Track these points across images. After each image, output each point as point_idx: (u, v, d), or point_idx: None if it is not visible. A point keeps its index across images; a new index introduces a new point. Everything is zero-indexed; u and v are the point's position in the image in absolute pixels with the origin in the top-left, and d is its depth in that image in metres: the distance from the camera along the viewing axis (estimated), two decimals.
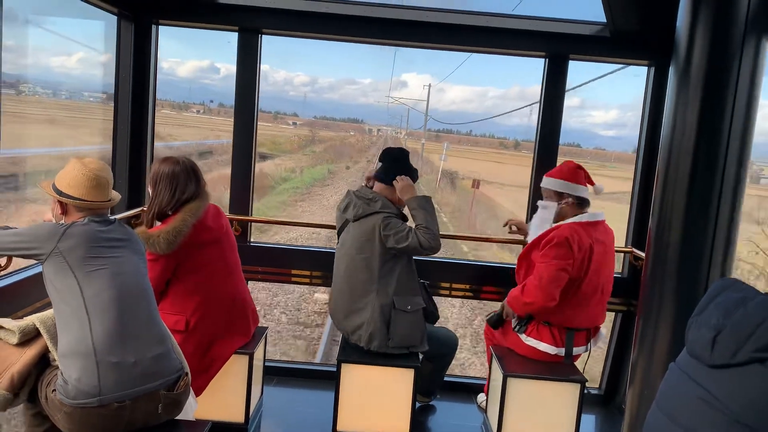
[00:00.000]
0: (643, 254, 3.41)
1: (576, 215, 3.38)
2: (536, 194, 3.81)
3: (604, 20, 3.68)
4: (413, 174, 3.42)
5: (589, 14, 3.83)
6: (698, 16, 2.51)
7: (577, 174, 3.40)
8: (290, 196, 24.23)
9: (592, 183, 3.50)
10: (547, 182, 3.46)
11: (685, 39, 2.55)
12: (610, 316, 4.35)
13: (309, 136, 53.50)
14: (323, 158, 40.83)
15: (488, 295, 4.08)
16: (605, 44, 3.87)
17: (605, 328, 3.63)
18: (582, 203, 3.42)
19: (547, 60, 3.95)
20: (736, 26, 2.40)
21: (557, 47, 3.91)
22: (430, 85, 42.72)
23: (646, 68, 4.00)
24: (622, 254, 4.18)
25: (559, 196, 3.41)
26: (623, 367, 4.10)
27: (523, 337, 3.43)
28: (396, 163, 3.41)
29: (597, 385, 4.28)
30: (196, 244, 2.99)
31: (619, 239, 3.72)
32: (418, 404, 3.62)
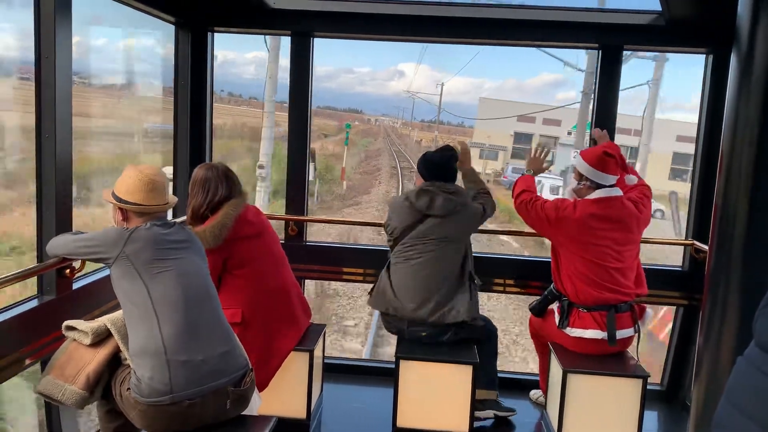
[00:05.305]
0: (705, 247, 3.34)
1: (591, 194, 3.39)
2: None
3: (659, 8, 3.61)
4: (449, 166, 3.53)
5: (644, 3, 3.75)
6: (761, 1, 2.44)
7: (605, 162, 3.34)
8: (364, 148, 48.18)
9: (625, 171, 3.46)
10: (577, 161, 3.45)
11: (747, 25, 2.49)
12: (669, 310, 4.27)
13: (338, 124, 63.12)
14: (359, 136, 60.14)
15: (541, 291, 4.04)
16: (661, 33, 3.78)
17: (651, 309, 3.56)
18: (600, 187, 3.38)
19: (600, 51, 3.89)
20: None
21: (611, 38, 3.84)
22: (443, 84, 52.41)
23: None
24: (683, 247, 4.09)
25: (580, 176, 3.43)
26: (686, 362, 4.01)
27: (568, 330, 3.40)
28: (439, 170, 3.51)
29: (658, 381, 4.19)
30: (241, 237, 3.11)
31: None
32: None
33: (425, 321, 3.40)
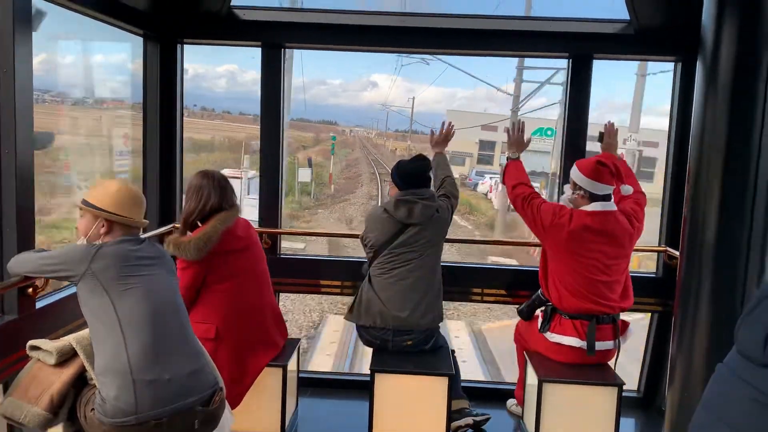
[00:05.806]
0: (677, 253, 3.35)
1: (587, 205, 3.39)
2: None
3: (628, 18, 3.64)
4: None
5: (612, 12, 3.80)
6: (724, 9, 2.47)
7: (599, 172, 3.35)
8: (344, 157, 51.12)
9: (621, 181, 3.46)
10: (573, 171, 3.46)
11: (712, 33, 2.51)
12: (644, 317, 4.28)
13: (314, 136, 66.63)
14: (337, 147, 58.58)
15: (521, 299, 4.03)
16: (630, 42, 3.82)
17: (634, 325, 3.57)
18: (595, 198, 3.38)
19: (570, 60, 3.91)
20: (763, 18, 2.36)
21: (581, 47, 3.86)
22: (414, 98, 58.43)
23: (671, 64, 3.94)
24: (656, 254, 4.11)
25: (575, 186, 3.43)
26: (661, 368, 4.01)
27: (548, 335, 3.42)
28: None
29: (635, 388, 4.19)
30: (226, 252, 3.05)
31: (650, 238, 3.66)
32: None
33: (418, 327, 3.41)
